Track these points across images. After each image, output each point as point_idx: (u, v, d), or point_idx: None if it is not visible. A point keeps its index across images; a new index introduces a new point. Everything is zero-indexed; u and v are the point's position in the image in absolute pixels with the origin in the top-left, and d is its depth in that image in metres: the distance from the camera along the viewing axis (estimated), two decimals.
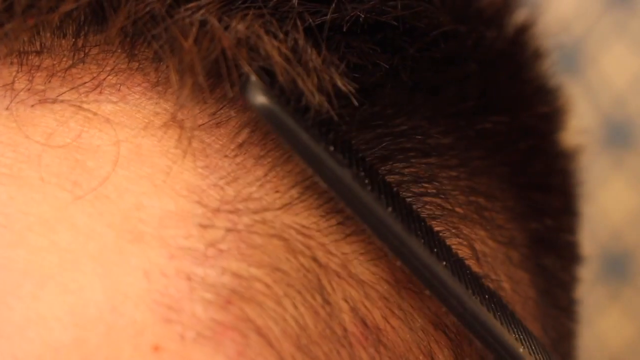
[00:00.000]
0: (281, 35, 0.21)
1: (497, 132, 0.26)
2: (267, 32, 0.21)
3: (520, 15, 0.29)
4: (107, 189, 0.20)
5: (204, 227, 0.20)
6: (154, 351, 0.19)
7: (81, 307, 0.19)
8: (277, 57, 0.21)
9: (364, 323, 0.21)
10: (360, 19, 0.22)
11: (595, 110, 0.48)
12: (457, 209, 0.24)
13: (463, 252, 0.24)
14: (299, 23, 0.21)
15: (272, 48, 0.21)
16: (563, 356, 0.29)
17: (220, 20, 0.21)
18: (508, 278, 0.26)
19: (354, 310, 0.21)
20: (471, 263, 0.24)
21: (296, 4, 0.22)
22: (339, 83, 0.21)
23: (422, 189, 0.23)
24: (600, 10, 0.49)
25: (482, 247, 0.25)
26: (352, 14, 0.22)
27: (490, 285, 0.24)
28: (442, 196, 0.24)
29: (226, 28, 0.21)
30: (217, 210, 0.21)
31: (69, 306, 0.19)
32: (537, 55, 0.30)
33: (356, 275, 0.21)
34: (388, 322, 0.22)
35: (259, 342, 0.20)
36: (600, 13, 0.49)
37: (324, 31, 0.22)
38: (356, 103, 0.22)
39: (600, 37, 0.49)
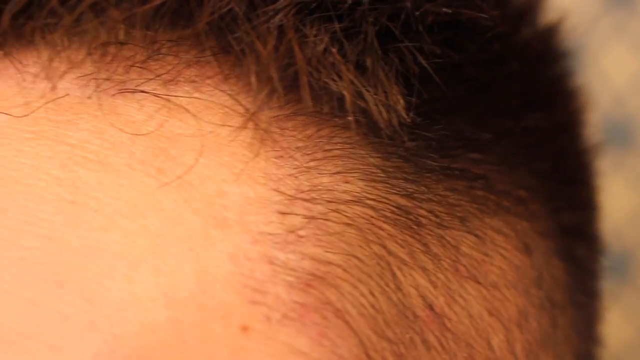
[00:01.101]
0: (350, 55, 0.22)
1: (538, 129, 0.27)
2: (340, 52, 0.22)
3: (548, 13, 0.31)
4: (190, 176, 0.21)
5: (282, 214, 0.21)
6: (243, 331, 0.20)
7: (174, 289, 0.20)
8: (346, 77, 0.22)
9: (431, 308, 0.22)
10: (431, 18, 0.23)
11: (595, 110, 0.49)
12: (505, 203, 0.25)
13: (512, 244, 0.25)
14: (370, 37, 0.22)
15: (345, 70, 0.22)
16: (594, 342, 0.30)
17: (296, 29, 0.22)
18: (548, 267, 0.27)
19: (422, 296, 0.22)
20: (521, 256, 0.25)
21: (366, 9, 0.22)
22: (401, 109, 0.22)
23: (471, 184, 0.24)
24: (600, 10, 0.50)
25: (529, 240, 0.26)
26: (423, 12, 0.23)
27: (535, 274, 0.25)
28: (490, 190, 0.25)
29: (302, 38, 0.22)
30: (293, 198, 0.21)
31: (162, 288, 0.20)
32: (564, 52, 0.31)
33: (422, 264, 0.22)
34: (451, 309, 0.23)
35: (338, 324, 0.21)
36: (600, 13, 0.50)
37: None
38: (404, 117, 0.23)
39: (600, 37, 0.50)
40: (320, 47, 0.22)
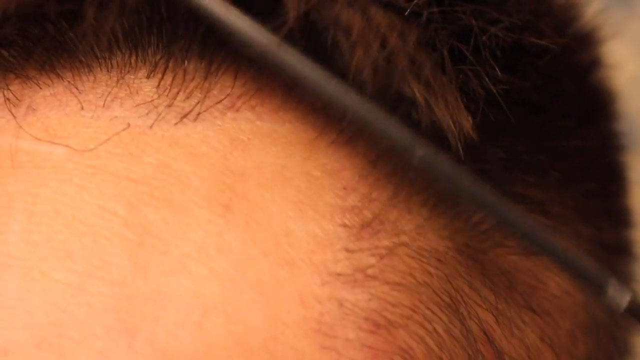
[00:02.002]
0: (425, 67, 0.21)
1: (587, 148, 0.27)
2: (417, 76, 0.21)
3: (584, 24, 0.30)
4: (256, 213, 0.20)
5: (349, 251, 0.21)
6: None
7: (245, 337, 0.19)
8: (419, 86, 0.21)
9: (492, 343, 0.22)
10: (495, 42, 0.22)
11: None
12: (559, 227, 0.25)
13: None
14: (444, 56, 0.21)
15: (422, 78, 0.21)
16: (630, 356, 0.30)
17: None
18: None
19: (483, 331, 0.22)
20: (571, 279, 0.25)
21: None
22: (469, 127, 0.22)
23: (529, 208, 0.24)
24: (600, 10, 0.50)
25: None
26: (489, 36, 0.22)
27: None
28: (546, 214, 0.24)
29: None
30: (360, 233, 0.21)
31: (234, 336, 0.19)
32: (600, 60, 0.31)
33: (484, 297, 0.22)
34: (509, 341, 0.22)
35: None
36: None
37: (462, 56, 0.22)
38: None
39: None
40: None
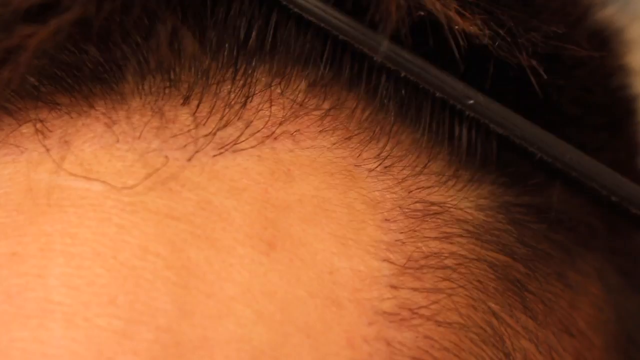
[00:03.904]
0: None
1: (616, 161, 0.26)
2: None
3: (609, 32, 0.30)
4: (300, 250, 0.20)
5: (394, 287, 0.20)
6: None
7: None
8: None
9: None
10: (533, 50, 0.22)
11: None
12: (591, 242, 0.25)
13: (595, 285, 0.25)
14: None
15: None
16: None
17: None
18: (623, 301, 0.26)
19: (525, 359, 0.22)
20: (603, 295, 0.25)
21: None
22: None
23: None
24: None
25: (606, 276, 0.25)
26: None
27: None
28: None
29: None
30: (403, 269, 0.20)
31: None
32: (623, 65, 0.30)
33: (525, 325, 0.22)
34: None
35: None
36: None
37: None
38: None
39: None
40: None
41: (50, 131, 0.20)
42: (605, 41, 0.27)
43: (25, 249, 0.19)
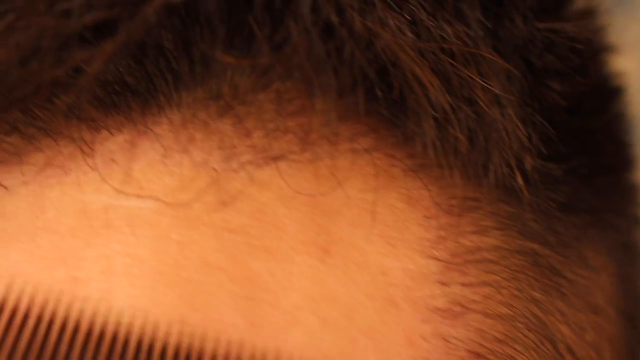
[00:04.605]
0: None
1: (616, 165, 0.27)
2: None
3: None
4: (352, 254, 0.20)
5: (443, 284, 0.20)
6: None
7: None
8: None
9: (574, 355, 0.22)
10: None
11: None
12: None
13: (607, 262, 0.25)
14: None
15: None
16: None
17: None
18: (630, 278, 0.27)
19: (565, 344, 0.22)
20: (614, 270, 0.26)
21: None
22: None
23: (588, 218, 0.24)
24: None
25: (615, 252, 0.26)
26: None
27: None
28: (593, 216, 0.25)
29: None
30: (449, 264, 0.21)
31: None
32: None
33: (561, 310, 0.22)
34: (584, 349, 0.23)
35: None
36: None
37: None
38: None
39: None
40: None
41: (93, 150, 0.19)
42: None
43: (86, 273, 0.18)
